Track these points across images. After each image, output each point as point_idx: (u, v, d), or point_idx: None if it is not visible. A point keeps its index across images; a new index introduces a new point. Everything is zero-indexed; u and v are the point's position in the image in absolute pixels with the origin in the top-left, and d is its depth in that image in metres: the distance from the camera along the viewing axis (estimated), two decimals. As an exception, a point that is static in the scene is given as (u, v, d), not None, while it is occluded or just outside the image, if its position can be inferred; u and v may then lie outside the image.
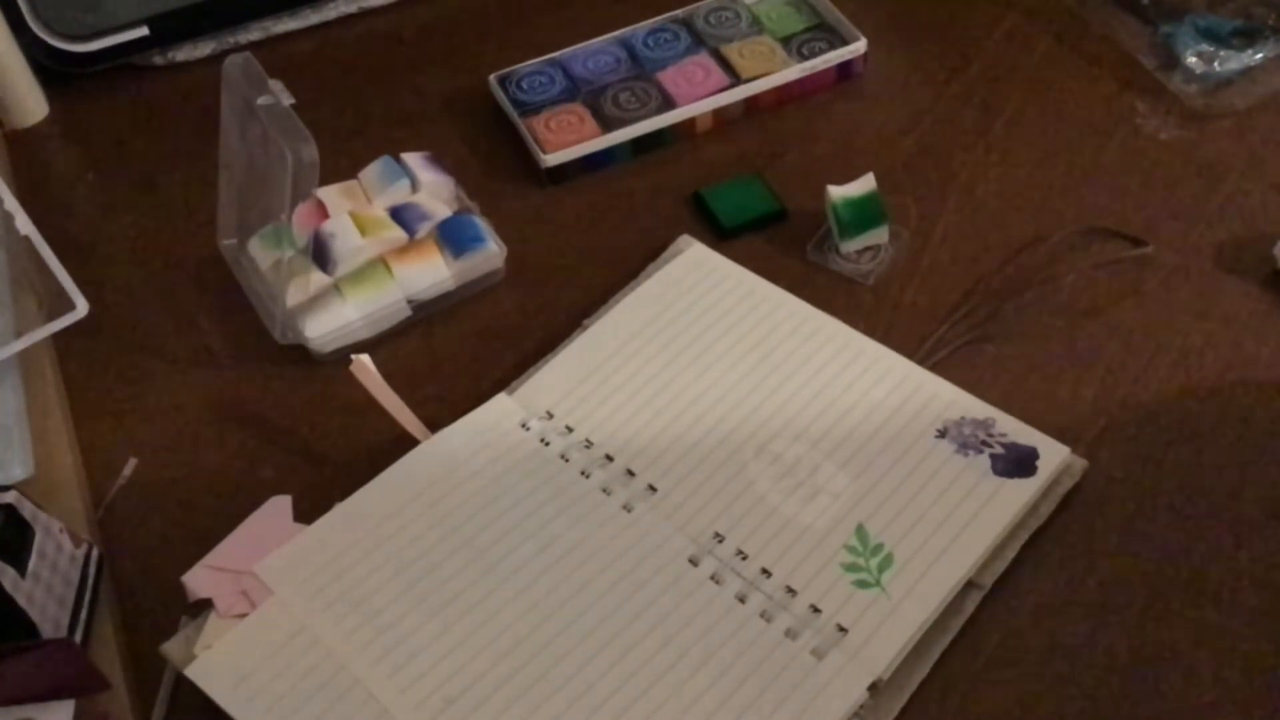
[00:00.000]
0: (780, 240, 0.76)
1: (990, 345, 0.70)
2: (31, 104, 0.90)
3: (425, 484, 0.64)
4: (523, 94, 0.85)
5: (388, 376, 0.67)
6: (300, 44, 0.95)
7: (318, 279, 0.72)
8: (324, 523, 0.62)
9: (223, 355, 0.74)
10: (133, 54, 0.92)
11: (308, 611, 0.59)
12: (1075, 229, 0.75)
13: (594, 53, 0.87)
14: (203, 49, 0.94)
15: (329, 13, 0.95)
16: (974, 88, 0.85)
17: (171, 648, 0.59)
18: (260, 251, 0.74)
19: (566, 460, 0.65)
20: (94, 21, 0.90)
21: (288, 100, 0.66)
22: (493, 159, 0.84)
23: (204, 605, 0.60)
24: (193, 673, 0.57)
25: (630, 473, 0.64)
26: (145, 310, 0.77)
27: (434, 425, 0.67)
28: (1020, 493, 0.61)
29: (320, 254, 0.72)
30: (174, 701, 0.59)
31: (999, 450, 0.63)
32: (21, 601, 0.56)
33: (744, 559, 0.60)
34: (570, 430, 0.66)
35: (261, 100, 0.67)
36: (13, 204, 0.69)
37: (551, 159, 0.80)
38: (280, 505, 0.64)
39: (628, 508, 0.62)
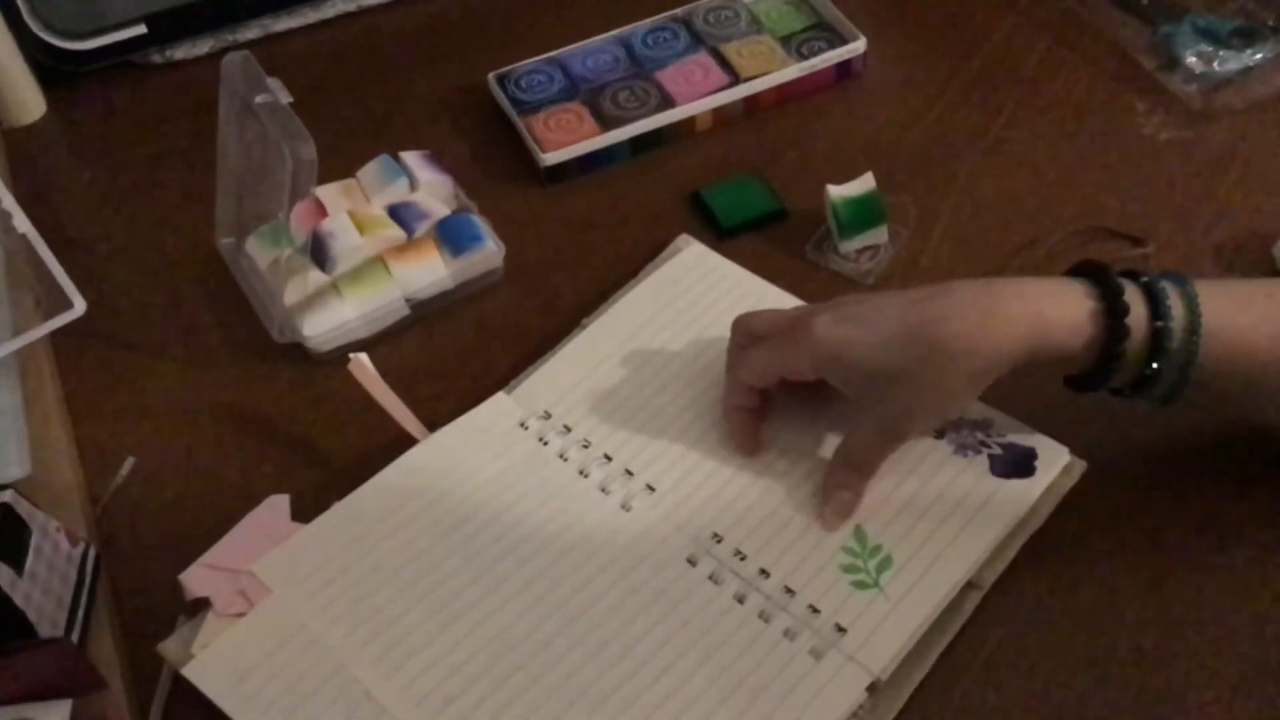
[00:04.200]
0: (779, 240, 0.76)
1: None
2: (29, 102, 0.90)
3: (423, 483, 0.64)
4: (521, 93, 0.85)
5: (386, 375, 0.67)
6: (299, 42, 0.94)
7: (316, 278, 0.72)
8: (322, 521, 0.62)
9: (221, 354, 0.74)
10: (131, 52, 0.92)
11: (306, 610, 0.59)
12: (1075, 229, 0.75)
13: (593, 51, 0.87)
14: (201, 47, 0.94)
15: (328, 11, 0.95)
16: (974, 88, 0.85)
17: (169, 647, 0.58)
18: (258, 250, 0.74)
19: (565, 459, 0.64)
20: (92, 19, 0.90)
21: (286, 98, 0.66)
22: (491, 158, 0.84)
23: (201, 604, 0.60)
24: (190, 672, 0.57)
25: (629, 472, 0.64)
26: (143, 309, 0.77)
27: (432, 424, 0.67)
28: (1019, 493, 0.61)
29: (318, 253, 0.72)
30: (171, 701, 0.59)
31: (997, 451, 0.63)
32: (18, 601, 0.56)
33: (742, 559, 0.60)
34: (568, 429, 0.66)
35: (260, 99, 0.67)
36: (10, 202, 0.69)
37: (550, 158, 0.80)
38: (278, 504, 0.64)
39: (626, 507, 0.62)
